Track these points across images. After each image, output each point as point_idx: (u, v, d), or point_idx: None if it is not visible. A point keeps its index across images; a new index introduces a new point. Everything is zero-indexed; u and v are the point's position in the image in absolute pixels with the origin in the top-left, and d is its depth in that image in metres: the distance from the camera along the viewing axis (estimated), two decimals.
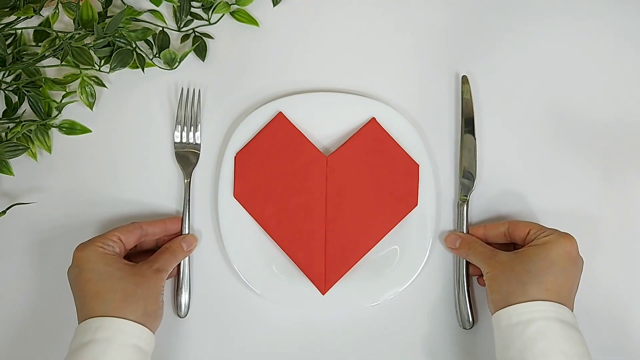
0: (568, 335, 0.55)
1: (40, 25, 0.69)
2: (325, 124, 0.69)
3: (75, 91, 0.69)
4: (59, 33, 0.68)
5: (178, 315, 0.66)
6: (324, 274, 0.66)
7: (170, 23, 0.72)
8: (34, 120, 0.68)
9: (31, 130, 0.68)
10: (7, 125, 0.69)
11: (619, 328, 0.67)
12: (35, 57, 0.67)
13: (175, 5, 0.71)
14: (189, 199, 0.68)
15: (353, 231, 0.67)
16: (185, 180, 0.68)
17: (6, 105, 0.69)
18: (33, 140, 0.68)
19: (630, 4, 0.73)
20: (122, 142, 0.70)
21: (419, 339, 0.67)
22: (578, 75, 0.72)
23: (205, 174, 0.69)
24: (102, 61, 0.69)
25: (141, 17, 0.71)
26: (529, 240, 0.61)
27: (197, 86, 0.71)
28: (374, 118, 0.69)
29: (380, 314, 0.67)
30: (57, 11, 0.69)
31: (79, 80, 0.68)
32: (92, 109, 0.69)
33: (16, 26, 0.69)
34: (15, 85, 0.68)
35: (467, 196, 0.68)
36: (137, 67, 0.69)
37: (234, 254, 0.66)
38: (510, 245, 0.66)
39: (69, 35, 0.66)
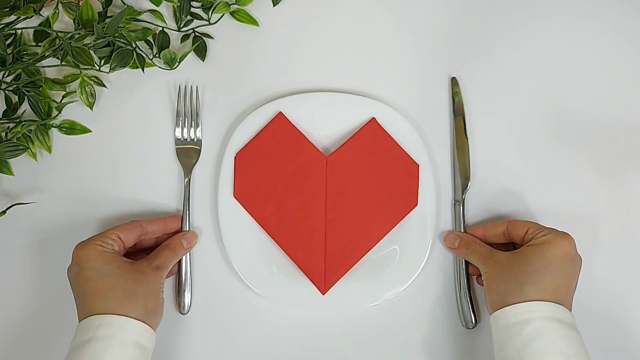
0: (565, 335, 0.55)
1: (40, 25, 0.69)
2: (325, 124, 0.69)
3: (75, 91, 0.69)
4: (59, 33, 0.68)
5: (180, 312, 0.66)
6: (323, 274, 0.66)
7: (170, 23, 0.72)
8: (34, 120, 0.68)
9: (31, 130, 0.68)
10: (7, 125, 0.69)
11: (619, 328, 0.67)
12: (35, 57, 0.67)
13: (175, 5, 0.71)
14: (189, 197, 0.68)
15: (353, 231, 0.67)
16: (186, 179, 0.68)
17: (6, 105, 0.69)
18: (33, 140, 0.68)
19: (630, 4, 0.73)
20: (122, 142, 0.70)
21: (419, 339, 0.67)
22: (577, 75, 0.72)
23: (205, 174, 0.69)
24: (102, 61, 0.69)
25: (141, 17, 0.71)
26: (527, 239, 0.61)
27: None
28: (374, 118, 0.69)
29: (380, 314, 0.67)
30: (57, 11, 0.69)
31: (79, 80, 0.68)
32: (92, 109, 0.69)
33: (16, 26, 0.69)
34: (15, 85, 0.68)
35: (462, 196, 0.68)
36: (137, 67, 0.69)
37: (234, 254, 0.66)
38: (510, 245, 0.66)
39: (69, 35, 0.66)
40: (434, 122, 0.71)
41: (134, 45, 0.69)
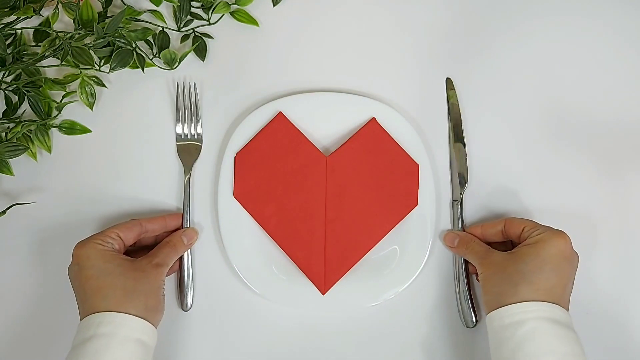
0: (560, 335, 0.55)
1: (40, 25, 0.69)
2: (325, 124, 0.69)
3: (75, 91, 0.69)
4: (59, 33, 0.68)
5: (183, 309, 0.66)
6: (323, 274, 0.66)
7: (170, 23, 0.72)
8: (34, 120, 0.68)
9: (31, 130, 0.68)
10: (7, 125, 0.69)
11: (619, 328, 0.67)
12: (35, 57, 0.67)
13: (175, 5, 0.71)
14: (189, 195, 0.68)
15: (353, 231, 0.67)
16: (186, 177, 0.68)
17: (6, 105, 0.69)
18: (33, 140, 0.68)
19: (630, 4, 0.73)
20: (122, 142, 0.70)
21: (419, 339, 0.67)
22: (577, 75, 0.72)
23: (205, 174, 0.69)
24: (102, 61, 0.70)
25: (141, 17, 0.71)
26: (523, 237, 0.61)
27: (197, 86, 0.71)
28: (374, 118, 0.69)
29: (380, 314, 0.67)
30: (57, 11, 0.69)
31: (79, 80, 0.68)
32: (92, 109, 0.69)
33: (16, 26, 0.69)
34: (15, 85, 0.68)
35: (460, 195, 0.68)
36: (137, 67, 0.69)
37: (234, 253, 0.66)
38: (509, 243, 0.66)
39: (69, 35, 0.66)
40: (434, 122, 0.71)
41: (134, 45, 0.69)
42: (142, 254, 0.63)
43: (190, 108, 0.70)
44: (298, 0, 0.73)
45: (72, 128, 0.70)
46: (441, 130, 0.71)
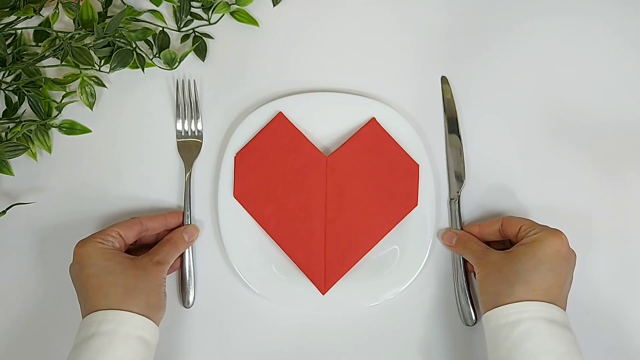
0: (556, 334, 0.55)
1: (40, 25, 0.69)
2: (325, 124, 0.69)
3: (75, 91, 0.69)
4: (59, 33, 0.68)
5: (185, 306, 0.67)
6: (323, 274, 0.66)
7: (170, 23, 0.72)
8: (34, 120, 0.68)
9: (31, 130, 0.68)
10: (7, 125, 0.69)
11: (618, 328, 0.67)
12: (35, 57, 0.67)
13: (175, 5, 0.71)
14: (189, 193, 0.68)
15: (353, 231, 0.67)
16: (186, 174, 0.68)
17: (6, 105, 0.69)
18: (33, 140, 0.68)
19: (630, 4, 0.73)
20: (122, 142, 0.70)
21: (420, 339, 0.67)
22: (576, 75, 0.72)
23: (205, 174, 0.69)
24: (102, 61, 0.70)
25: (141, 17, 0.71)
26: (520, 236, 0.61)
27: (196, 84, 0.71)
28: (374, 118, 0.69)
29: (380, 314, 0.67)
30: (57, 11, 0.69)
31: (79, 80, 0.68)
32: (92, 109, 0.69)
33: (16, 26, 0.69)
34: (15, 85, 0.68)
35: (457, 194, 0.68)
36: (137, 67, 0.69)
37: (234, 253, 0.66)
38: (507, 242, 0.66)
39: (69, 35, 0.66)
40: (434, 122, 0.71)
41: (134, 45, 0.69)
42: (143, 252, 0.63)
43: (190, 105, 0.70)
44: (298, 0, 0.73)
45: (72, 128, 0.70)
46: (441, 130, 0.71)
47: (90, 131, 0.70)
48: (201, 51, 0.71)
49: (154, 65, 0.71)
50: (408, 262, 0.66)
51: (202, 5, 0.72)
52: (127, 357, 0.55)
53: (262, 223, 0.67)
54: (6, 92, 0.69)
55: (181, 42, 0.72)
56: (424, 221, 0.67)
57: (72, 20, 0.68)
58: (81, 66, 0.68)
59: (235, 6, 0.72)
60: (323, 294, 0.66)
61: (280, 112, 0.69)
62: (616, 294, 0.67)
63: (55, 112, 0.69)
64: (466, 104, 0.71)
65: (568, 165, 0.70)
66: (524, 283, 0.57)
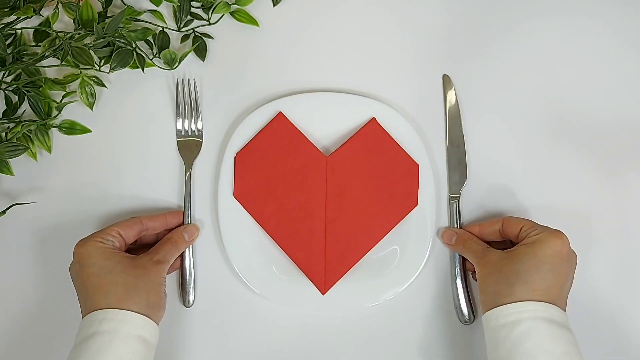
0: (555, 334, 0.55)
1: (40, 25, 0.69)
2: (325, 124, 0.69)
3: (75, 91, 0.69)
4: (59, 33, 0.68)
5: (185, 306, 0.67)
6: (323, 274, 0.66)
7: (170, 23, 0.72)
8: (34, 120, 0.68)
9: (31, 130, 0.68)
10: (7, 125, 0.69)
11: (619, 328, 0.67)
12: (35, 57, 0.67)
13: (175, 5, 0.71)
14: (190, 192, 0.68)
15: (353, 231, 0.67)
16: (187, 174, 0.68)
17: (6, 105, 0.69)
18: (33, 140, 0.68)
19: (631, 4, 0.73)
20: (122, 142, 0.70)
21: (420, 339, 0.67)
22: (577, 75, 0.72)
23: (205, 174, 0.69)
24: (102, 61, 0.70)
25: (141, 17, 0.71)
26: (521, 237, 0.61)
27: (196, 84, 0.71)
28: (374, 118, 0.69)
29: (380, 314, 0.67)
30: (57, 11, 0.69)
31: (79, 80, 0.68)
32: (92, 109, 0.69)
33: (16, 26, 0.69)
34: (15, 85, 0.68)
35: (458, 193, 0.68)
36: (137, 67, 0.69)
37: (234, 254, 0.66)
38: (507, 242, 0.66)
39: (69, 35, 0.66)
40: (434, 122, 0.71)
41: (134, 45, 0.69)
42: (143, 251, 0.63)
43: (190, 104, 0.70)
44: (298, 0, 0.73)
45: (72, 128, 0.70)
46: (441, 130, 0.71)
47: (90, 131, 0.70)
48: (201, 51, 0.71)
49: (154, 65, 0.71)
50: (408, 262, 0.66)
51: (202, 5, 0.72)
52: (127, 356, 0.56)
53: (262, 223, 0.67)
54: (6, 92, 0.69)
55: (181, 42, 0.72)
56: (424, 221, 0.67)
57: (72, 20, 0.68)
58: (81, 66, 0.68)
59: (235, 6, 0.72)
60: (323, 294, 0.66)
61: (280, 112, 0.69)
62: (616, 294, 0.67)
63: (55, 112, 0.69)
64: (466, 104, 0.71)
65: (568, 165, 0.70)
66: (524, 283, 0.57)
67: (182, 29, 0.72)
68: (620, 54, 0.72)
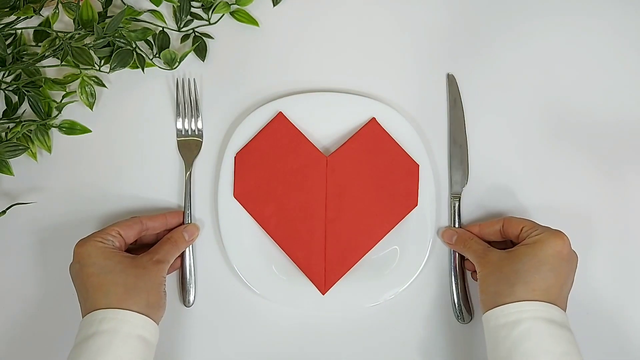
0: (555, 334, 0.55)
1: (40, 25, 0.69)
2: (325, 124, 0.69)
3: (75, 91, 0.69)
4: (59, 33, 0.68)
5: (185, 305, 0.67)
6: (323, 274, 0.66)
7: (170, 23, 0.72)
8: (34, 120, 0.68)
9: (31, 130, 0.68)
10: (7, 125, 0.69)
11: (618, 328, 0.67)
12: (35, 57, 0.67)
13: (175, 5, 0.71)
14: (190, 192, 0.68)
15: (353, 231, 0.67)
16: (187, 173, 0.68)
17: (6, 105, 0.69)
18: (33, 140, 0.68)
19: (631, 4, 0.73)
20: (122, 141, 0.70)
21: (419, 339, 0.67)
22: (577, 75, 0.72)
23: (205, 174, 0.69)
24: (102, 61, 0.70)
25: (141, 17, 0.71)
26: (522, 237, 0.61)
27: (196, 83, 0.71)
28: (374, 118, 0.69)
29: (380, 314, 0.67)
30: (57, 11, 0.69)
31: (79, 80, 0.68)
32: (92, 109, 0.69)
33: (16, 26, 0.69)
34: (15, 85, 0.68)
35: (459, 193, 0.68)
36: (137, 67, 0.69)
37: (234, 254, 0.66)
38: (508, 242, 0.66)
39: (69, 35, 0.66)
40: (434, 122, 0.71)
41: (134, 45, 0.69)
42: (143, 252, 0.63)
43: (190, 103, 0.70)
44: (298, 0, 0.73)
45: (72, 128, 0.70)
46: (441, 130, 0.71)
47: (90, 131, 0.70)
48: (201, 51, 0.71)
49: (154, 65, 0.71)
50: (408, 262, 0.66)
51: (202, 5, 0.72)
52: (127, 356, 0.56)
53: (262, 223, 0.67)
54: (6, 92, 0.69)
55: (181, 42, 0.72)
56: (424, 221, 0.67)
57: (72, 20, 0.68)
58: (81, 66, 0.68)
59: (235, 6, 0.72)
60: (323, 294, 0.66)
61: (280, 112, 0.69)
62: (616, 294, 0.67)
63: (55, 112, 0.69)
64: (466, 104, 0.71)
65: (568, 166, 0.70)
66: (524, 283, 0.57)
67: (182, 29, 0.72)
68: (620, 54, 0.72)
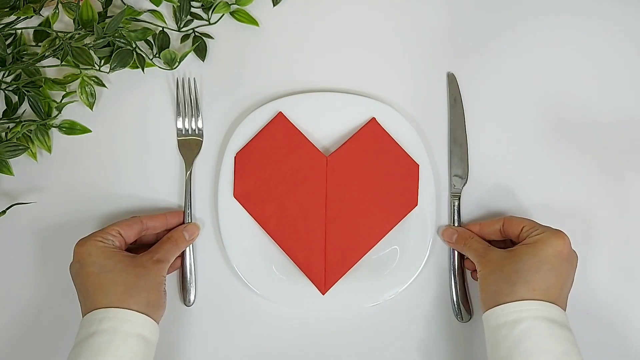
0: (555, 334, 0.55)
1: (40, 25, 0.69)
2: (325, 124, 0.69)
3: (75, 91, 0.69)
4: (59, 33, 0.68)
5: (186, 305, 0.67)
6: (324, 274, 0.66)
7: (170, 23, 0.72)
8: (34, 120, 0.68)
9: (31, 130, 0.68)
10: (7, 125, 0.69)
11: (618, 328, 0.67)
12: (35, 57, 0.67)
13: (175, 5, 0.71)
14: (190, 191, 0.68)
15: (353, 231, 0.67)
16: (187, 172, 0.68)
17: (6, 105, 0.69)
18: (33, 140, 0.68)
19: (632, 3, 0.73)
20: (122, 141, 0.70)
21: (419, 339, 0.67)
22: (578, 75, 0.72)
23: (205, 174, 0.69)
24: (102, 61, 0.70)
25: (141, 17, 0.71)
26: (522, 237, 0.61)
27: (197, 82, 0.71)
28: (374, 118, 0.69)
29: (380, 314, 0.67)
30: (57, 11, 0.69)
31: (79, 80, 0.68)
32: (92, 109, 0.69)
33: (16, 26, 0.69)
34: (15, 85, 0.68)
35: (459, 192, 0.68)
36: (137, 67, 0.69)
37: (234, 254, 0.66)
38: (508, 241, 0.66)
39: (69, 35, 0.66)
40: (434, 122, 0.71)
41: (134, 45, 0.69)
42: (143, 251, 0.63)
43: (191, 102, 0.70)
44: (298, 0, 0.73)
45: (72, 128, 0.70)
46: (441, 130, 0.71)
47: (90, 131, 0.70)
48: (201, 51, 0.71)
49: (154, 65, 0.71)
50: (408, 262, 0.66)
51: (202, 5, 0.72)
52: (127, 355, 0.56)
53: (262, 223, 0.67)
54: (6, 92, 0.69)
55: (181, 42, 0.72)
56: (424, 221, 0.67)
57: (72, 20, 0.68)
58: (81, 66, 0.68)
59: (235, 6, 0.72)
60: (323, 294, 0.66)
61: (280, 112, 0.69)
62: (616, 294, 0.67)
63: (55, 112, 0.69)
64: (466, 104, 0.71)
65: (568, 165, 0.70)
66: (524, 282, 0.57)
67: (182, 29, 0.72)
68: (621, 54, 0.72)
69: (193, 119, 0.70)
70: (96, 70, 0.69)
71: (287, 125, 0.69)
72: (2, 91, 0.69)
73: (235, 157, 0.68)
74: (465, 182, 0.69)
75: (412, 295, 0.67)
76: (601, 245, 0.68)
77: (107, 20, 0.68)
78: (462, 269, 0.67)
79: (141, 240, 0.66)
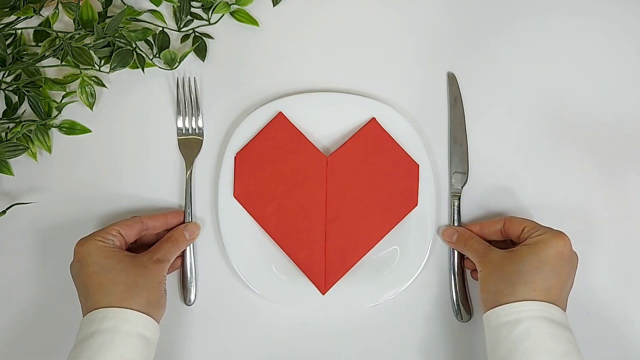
0: (555, 334, 0.55)
1: (40, 25, 0.69)
2: (325, 124, 0.69)
3: (75, 91, 0.69)
4: (59, 33, 0.68)
5: (186, 304, 0.67)
6: (324, 274, 0.66)
7: (170, 23, 0.72)
8: (34, 120, 0.68)
9: (31, 130, 0.68)
10: (7, 125, 0.69)
11: (618, 328, 0.67)
12: (35, 57, 0.67)
13: (175, 5, 0.71)
14: (190, 191, 0.68)
15: (353, 231, 0.67)
16: (187, 172, 0.68)
17: (6, 105, 0.69)
18: (33, 140, 0.68)
19: (632, 3, 0.73)
20: (122, 141, 0.70)
21: (419, 340, 0.67)
22: (578, 75, 0.72)
23: (205, 174, 0.69)
24: (102, 61, 0.70)
25: (141, 17, 0.71)
26: (523, 237, 0.61)
27: (197, 82, 0.71)
28: (374, 118, 0.69)
29: (380, 314, 0.67)
30: (57, 11, 0.69)
31: (79, 80, 0.68)
32: (92, 109, 0.69)
33: (16, 26, 0.69)
34: (15, 85, 0.68)
35: (459, 192, 0.68)
36: (137, 67, 0.69)
37: (234, 254, 0.66)
38: (508, 242, 0.66)
39: (69, 35, 0.66)
40: (434, 122, 0.71)
41: (134, 45, 0.69)
42: (143, 251, 0.63)
43: (191, 101, 0.70)
44: (298, 0, 0.73)
45: (72, 128, 0.70)
46: (441, 130, 0.71)
47: (90, 131, 0.70)
48: (201, 51, 0.71)
49: (154, 65, 0.71)
50: (408, 262, 0.66)
51: (202, 5, 0.72)
52: (128, 354, 0.56)
53: (262, 223, 0.67)
54: (6, 92, 0.69)
55: (181, 42, 0.72)
56: (424, 221, 0.67)
57: (72, 20, 0.68)
58: (81, 66, 0.68)
59: (235, 6, 0.72)
60: (323, 294, 0.66)
61: (280, 112, 0.69)
62: (616, 294, 0.67)
63: (55, 112, 0.69)
64: (466, 104, 0.71)
65: (569, 165, 0.70)
66: (525, 283, 0.57)
67: (182, 29, 0.72)
68: (621, 54, 0.72)
69: (193, 118, 0.70)
70: (96, 70, 0.69)
71: (287, 125, 0.69)
72: (2, 91, 0.69)
73: (235, 157, 0.68)
74: (466, 182, 0.69)
75: (412, 295, 0.67)
76: (601, 245, 0.68)
77: (107, 20, 0.68)
78: (462, 269, 0.67)
79: (141, 240, 0.66)
